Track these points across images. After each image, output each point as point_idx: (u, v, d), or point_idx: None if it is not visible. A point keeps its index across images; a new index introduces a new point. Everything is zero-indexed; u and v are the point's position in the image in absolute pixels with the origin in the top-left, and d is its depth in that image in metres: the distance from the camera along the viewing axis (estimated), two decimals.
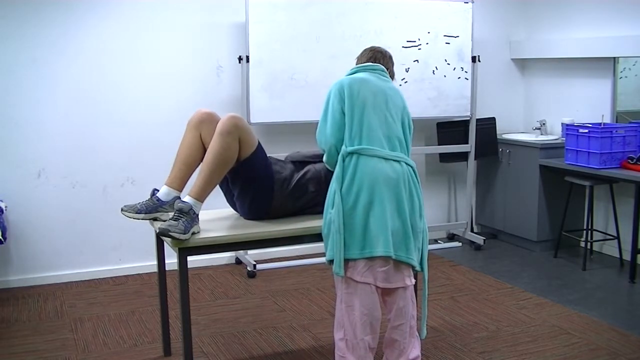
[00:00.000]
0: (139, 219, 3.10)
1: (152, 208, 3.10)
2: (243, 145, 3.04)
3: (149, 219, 3.14)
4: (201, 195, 2.98)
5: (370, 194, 2.82)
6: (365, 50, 3.19)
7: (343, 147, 2.89)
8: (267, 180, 3.13)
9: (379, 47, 3.19)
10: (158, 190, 3.16)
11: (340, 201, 2.83)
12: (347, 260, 2.85)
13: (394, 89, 3.02)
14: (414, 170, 2.97)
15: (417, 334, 3.07)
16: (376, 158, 2.86)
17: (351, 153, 2.87)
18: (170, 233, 2.80)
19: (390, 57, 3.19)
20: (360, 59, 3.17)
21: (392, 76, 3.16)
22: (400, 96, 3.03)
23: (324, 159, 3.01)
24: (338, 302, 2.96)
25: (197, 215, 2.97)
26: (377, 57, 3.13)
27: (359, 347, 2.88)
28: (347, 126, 2.88)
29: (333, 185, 2.89)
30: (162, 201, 3.11)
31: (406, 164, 2.94)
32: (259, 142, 3.15)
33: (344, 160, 2.87)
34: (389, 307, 2.99)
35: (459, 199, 5.93)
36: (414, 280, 2.99)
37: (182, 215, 2.86)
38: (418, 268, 2.97)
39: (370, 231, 2.82)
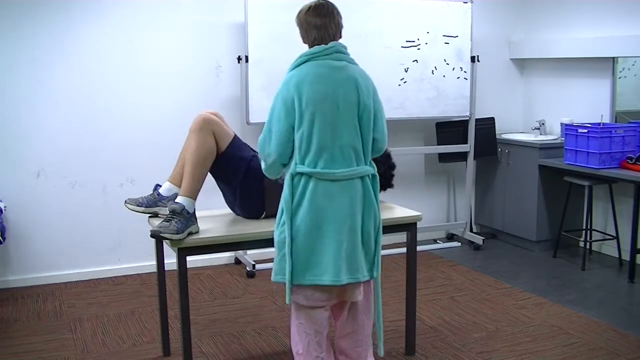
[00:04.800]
0: (139, 211, 3.20)
1: (152, 202, 3.19)
2: (218, 139, 3.07)
3: (149, 213, 3.22)
4: (191, 193, 2.99)
5: (318, 219, 2.69)
6: (307, 15, 2.75)
7: (293, 164, 2.71)
8: (253, 172, 3.13)
9: (323, 6, 2.76)
10: (160, 186, 3.22)
11: (289, 224, 2.71)
12: (293, 285, 2.76)
13: (348, 79, 2.71)
14: (372, 179, 2.80)
15: (371, 344, 3.01)
16: (328, 182, 2.68)
17: (301, 173, 2.70)
18: (162, 234, 2.82)
19: (338, 13, 2.79)
20: (306, 36, 2.79)
21: (340, 32, 2.80)
22: (354, 84, 2.71)
23: (263, 167, 2.85)
24: (292, 316, 2.91)
25: (193, 214, 2.97)
26: (329, 29, 2.75)
27: None
28: (297, 141, 2.68)
29: (282, 205, 2.77)
30: (162, 196, 3.20)
31: (361, 177, 2.76)
32: (235, 135, 3.17)
33: (292, 180, 2.71)
34: (336, 316, 2.96)
35: (458, 199, 5.93)
36: (361, 297, 2.91)
37: (175, 216, 2.88)
38: (368, 278, 2.85)
39: (317, 257, 2.72)
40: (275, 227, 2.81)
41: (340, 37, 2.83)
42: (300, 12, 2.80)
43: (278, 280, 2.80)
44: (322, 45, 2.76)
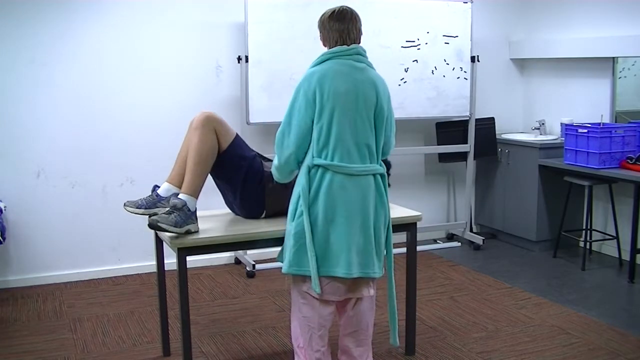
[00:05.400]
0: (138, 213, 3.16)
1: (151, 203, 3.15)
2: (220, 137, 3.07)
3: (149, 214, 3.16)
4: (192, 190, 2.98)
5: (333, 212, 2.73)
6: (330, 20, 2.81)
7: (309, 156, 2.75)
8: (254, 171, 3.13)
9: (347, 12, 2.82)
10: (158, 187, 3.20)
11: (307, 215, 2.74)
12: (305, 276, 2.79)
13: (367, 80, 2.78)
14: (382, 178, 2.85)
15: (370, 344, 3.03)
16: (343, 175, 2.72)
17: (318, 166, 2.74)
18: (159, 223, 2.81)
19: (359, 19, 2.86)
20: (327, 38, 2.84)
21: (360, 37, 2.87)
22: (373, 86, 2.78)
23: (276, 163, 2.85)
24: (294, 310, 2.92)
25: (194, 213, 2.97)
26: (350, 33, 2.81)
27: (316, 358, 2.87)
28: (315, 134, 2.73)
29: (297, 196, 2.79)
30: (161, 197, 3.16)
31: (373, 175, 2.81)
32: (236, 134, 3.17)
33: (309, 172, 2.76)
34: (341, 314, 2.98)
35: (458, 198, 5.93)
36: (372, 292, 2.94)
37: (175, 211, 2.88)
38: (379, 275, 2.88)
39: (331, 249, 2.75)
40: (290, 220, 2.82)
41: (360, 42, 2.89)
42: (322, 16, 2.87)
43: (292, 272, 2.80)
44: (344, 46, 2.81)
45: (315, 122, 2.72)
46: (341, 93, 2.71)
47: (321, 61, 2.80)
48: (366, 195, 2.78)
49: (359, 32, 2.87)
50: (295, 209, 2.79)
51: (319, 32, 2.89)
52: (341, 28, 2.80)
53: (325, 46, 2.88)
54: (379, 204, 2.84)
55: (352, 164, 2.75)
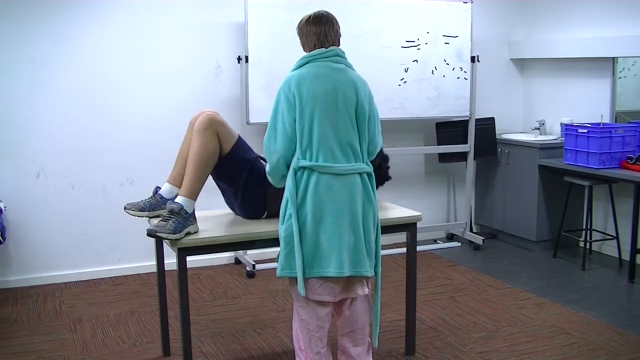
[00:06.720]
0: (142, 216, 3.15)
1: (155, 205, 3.16)
2: (222, 140, 3.06)
3: (153, 217, 3.17)
4: (191, 193, 2.98)
5: (321, 212, 2.76)
6: (307, 24, 2.87)
7: (295, 159, 2.79)
8: (256, 173, 3.13)
9: (323, 16, 2.88)
10: (160, 188, 3.20)
11: (296, 218, 2.76)
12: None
13: (347, 80, 2.81)
14: (369, 176, 2.88)
15: (370, 342, 3.06)
16: (329, 175, 2.76)
17: (303, 167, 2.77)
18: (158, 233, 2.81)
19: (336, 22, 2.90)
20: (306, 42, 2.90)
21: (339, 40, 2.91)
22: (353, 86, 2.81)
23: (267, 169, 2.88)
24: (295, 313, 2.96)
25: (192, 214, 2.96)
26: (328, 36, 2.86)
27: (316, 359, 2.90)
28: (298, 136, 2.76)
29: (286, 199, 2.82)
30: (165, 198, 3.16)
31: (360, 173, 2.84)
32: (239, 136, 3.16)
33: (295, 174, 2.79)
34: (338, 314, 3.01)
35: (458, 199, 5.93)
36: (367, 290, 2.97)
37: (172, 216, 2.87)
38: (371, 274, 2.91)
39: (322, 250, 2.78)
40: (280, 223, 2.86)
41: (339, 44, 2.93)
42: (300, 21, 2.92)
43: (285, 275, 2.84)
44: (323, 48, 2.86)
45: (297, 124, 2.76)
46: (320, 95, 2.75)
47: (300, 65, 2.86)
48: (353, 194, 2.81)
49: (337, 35, 2.92)
50: (285, 212, 2.82)
51: (298, 39, 2.94)
52: (318, 31, 2.86)
53: (305, 51, 2.93)
54: (367, 203, 2.87)
55: (337, 163, 2.78)
